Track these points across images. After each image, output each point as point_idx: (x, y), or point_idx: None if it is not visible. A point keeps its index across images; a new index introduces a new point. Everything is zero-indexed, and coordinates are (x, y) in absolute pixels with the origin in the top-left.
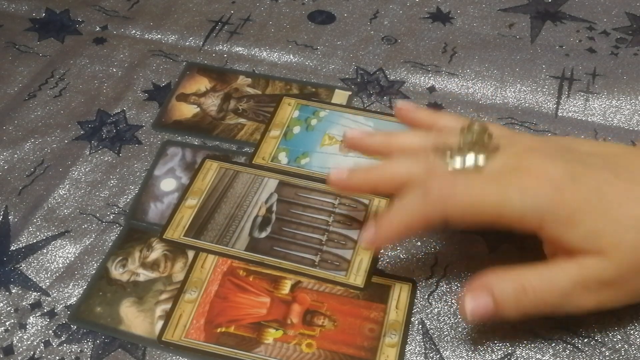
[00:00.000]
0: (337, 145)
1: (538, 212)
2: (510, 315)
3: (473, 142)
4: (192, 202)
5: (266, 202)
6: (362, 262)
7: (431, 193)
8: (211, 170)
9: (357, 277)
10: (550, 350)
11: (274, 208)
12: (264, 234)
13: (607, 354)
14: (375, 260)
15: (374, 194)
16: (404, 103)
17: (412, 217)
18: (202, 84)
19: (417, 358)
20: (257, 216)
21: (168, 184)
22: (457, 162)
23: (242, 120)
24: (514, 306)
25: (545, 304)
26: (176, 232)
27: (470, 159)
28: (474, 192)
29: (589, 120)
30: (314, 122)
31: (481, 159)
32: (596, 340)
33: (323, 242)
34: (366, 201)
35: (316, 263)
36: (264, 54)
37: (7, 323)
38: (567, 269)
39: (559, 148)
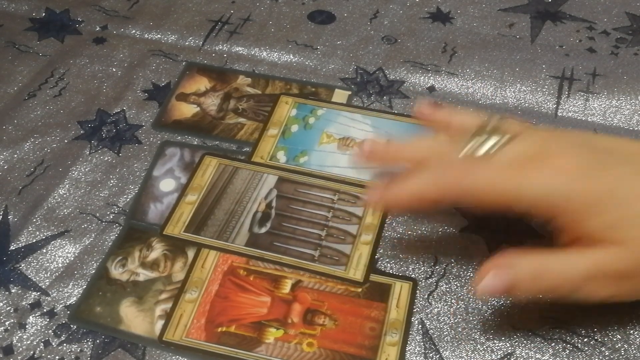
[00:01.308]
0: (335, 143)
1: (555, 199)
2: (521, 295)
3: (493, 129)
4: (192, 198)
5: (266, 197)
6: (361, 256)
7: (449, 169)
8: (210, 166)
9: (356, 271)
10: (550, 350)
11: (274, 204)
12: (263, 230)
13: (607, 353)
14: (374, 254)
15: (393, 166)
16: (424, 105)
17: (426, 189)
18: (201, 83)
19: (417, 358)
20: (256, 212)
21: (167, 185)
22: (477, 147)
23: (241, 119)
24: (528, 288)
25: (559, 289)
26: (176, 228)
27: (490, 143)
28: (492, 175)
29: (589, 120)
30: (312, 120)
31: (501, 143)
32: (596, 340)
33: (322, 237)
34: (365, 197)
35: (316, 258)
36: (264, 53)
37: (7, 323)
38: (585, 257)
39: (579, 141)
